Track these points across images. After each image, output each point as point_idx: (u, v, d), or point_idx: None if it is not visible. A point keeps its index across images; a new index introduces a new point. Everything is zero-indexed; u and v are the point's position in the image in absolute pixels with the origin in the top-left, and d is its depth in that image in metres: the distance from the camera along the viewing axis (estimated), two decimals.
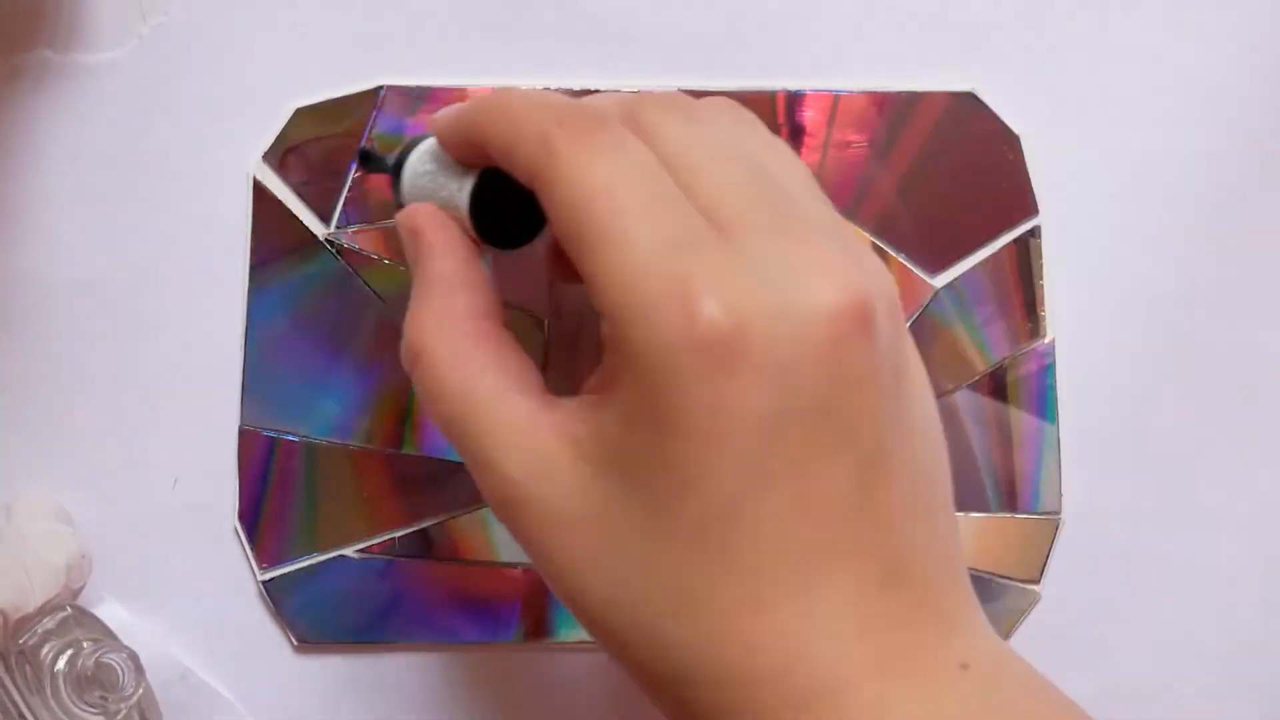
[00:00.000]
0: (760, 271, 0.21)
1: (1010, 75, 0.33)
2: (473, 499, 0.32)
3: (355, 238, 0.33)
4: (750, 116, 0.25)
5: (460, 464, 0.31)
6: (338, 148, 0.33)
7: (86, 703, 0.29)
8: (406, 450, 0.32)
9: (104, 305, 0.33)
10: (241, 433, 0.32)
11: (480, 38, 0.34)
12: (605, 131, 0.22)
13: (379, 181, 0.33)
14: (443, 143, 0.26)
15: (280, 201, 0.33)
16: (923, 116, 0.33)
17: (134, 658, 0.29)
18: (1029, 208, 0.33)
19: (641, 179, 0.22)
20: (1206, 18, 0.34)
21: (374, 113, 0.33)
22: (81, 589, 0.31)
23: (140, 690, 0.29)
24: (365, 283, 0.33)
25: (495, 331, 0.24)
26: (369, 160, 0.31)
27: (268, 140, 0.33)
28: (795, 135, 0.33)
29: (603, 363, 0.22)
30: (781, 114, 0.33)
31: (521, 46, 0.34)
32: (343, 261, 0.33)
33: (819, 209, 0.23)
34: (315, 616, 0.32)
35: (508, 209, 0.25)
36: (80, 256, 0.33)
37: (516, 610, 0.32)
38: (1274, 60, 0.34)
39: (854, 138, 0.33)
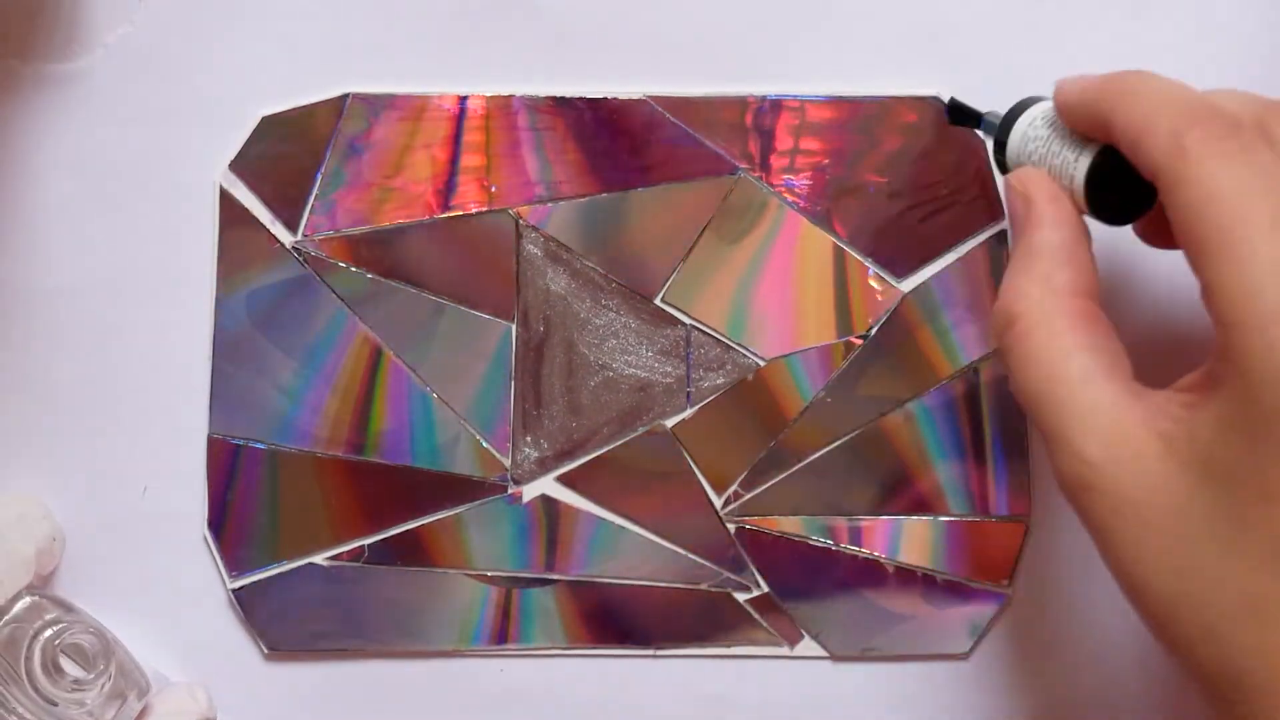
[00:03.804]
0: None
1: (975, 79, 0.33)
2: (439, 505, 0.32)
3: (322, 245, 0.33)
4: None
5: (423, 470, 0.32)
6: (304, 156, 0.33)
7: (62, 687, 0.29)
8: (370, 457, 0.32)
9: (70, 313, 0.33)
10: (210, 441, 0.32)
11: (446, 45, 0.34)
12: (1239, 138, 0.22)
13: (347, 191, 0.33)
14: (1062, 112, 0.26)
15: (247, 210, 0.33)
16: (889, 121, 0.33)
17: (101, 635, 0.29)
18: (996, 212, 0.33)
19: (1271, 191, 0.22)
20: (1170, 22, 0.34)
21: (339, 120, 0.33)
22: (54, 571, 0.31)
23: (112, 667, 0.29)
24: (332, 290, 0.33)
25: (1093, 312, 0.25)
26: (960, 113, 0.31)
27: (234, 149, 0.33)
28: (764, 141, 0.33)
29: (1207, 365, 0.23)
30: (750, 120, 0.33)
31: (489, 54, 0.34)
32: (309, 269, 0.33)
33: None
34: (285, 624, 0.32)
35: (1122, 187, 0.25)
36: (46, 265, 0.33)
37: (486, 617, 0.32)
38: (1238, 65, 0.34)
39: (822, 143, 0.33)
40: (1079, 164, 0.26)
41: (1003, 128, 0.29)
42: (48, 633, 0.29)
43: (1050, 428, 0.24)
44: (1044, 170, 0.27)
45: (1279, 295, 0.21)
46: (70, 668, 0.29)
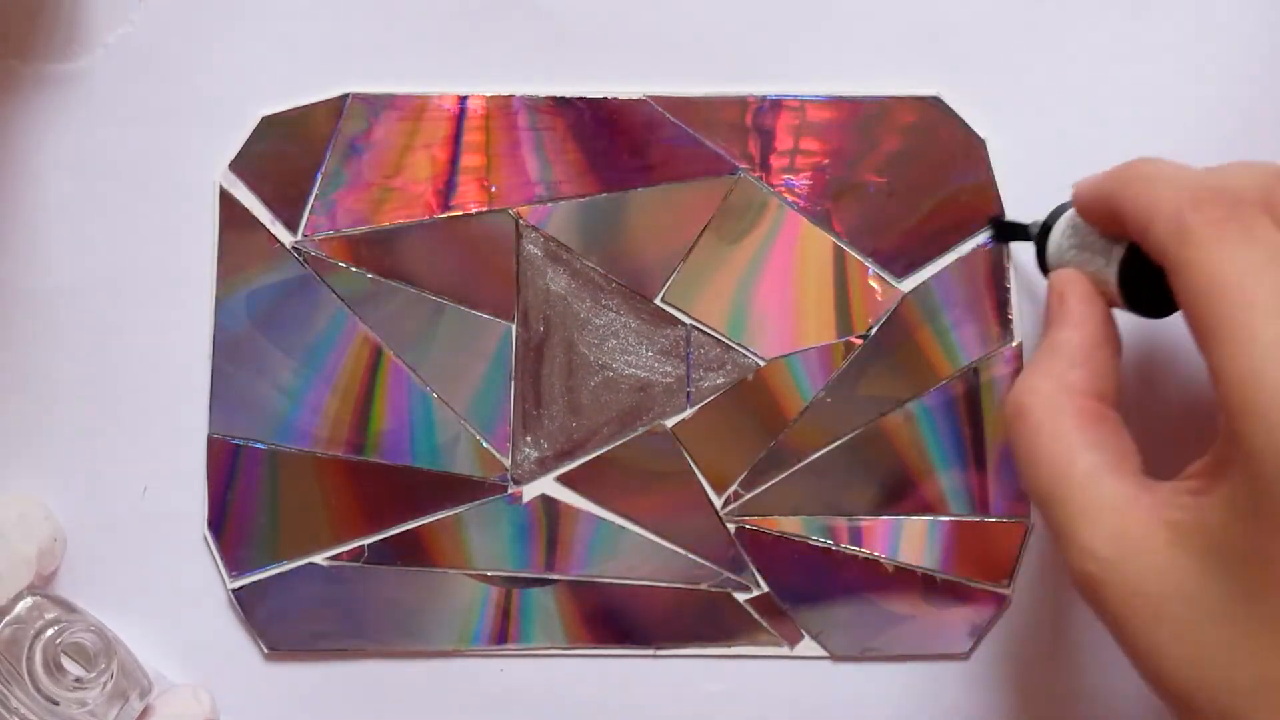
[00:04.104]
0: None
1: (975, 79, 0.33)
2: (439, 505, 0.32)
3: (322, 246, 0.33)
4: None
5: (423, 470, 0.32)
6: (304, 156, 0.33)
7: (64, 686, 0.29)
8: (370, 457, 0.32)
9: (71, 314, 0.33)
10: (210, 441, 0.32)
11: (446, 46, 0.34)
12: (1240, 218, 0.22)
13: (347, 191, 0.33)
14: (1082, 215, 0.27)
15: (247, 210, 0.33)
16: (889, 121, 0.33)
17: (102, 634, 0.29)
18: (995, 212, 0.33)
19: (1275, 273, 0.22)
20: (1171, 22, 0.34)
21: (339, 120, 0.33)
22: (55, 571, 0.31)
23: (114, 666, 0.29)
24: (332, 290, 0.33)
25: (1104, 414, 0.25)
26: (1004, 229, 0.32)
27: (234, 149, 0.33)
28: (764, 141, 0.33)
29: (1212, 451, 0.23)
30: (750, 120, 0.33)
31: (489, 55, 0.34)
32: (310, 269, 0.33)
33: None
34: (285, 624, 0.32)
35: (1156, 280, 0.25)
36: (47, 265, 0.33)
37: (486, 617, 0.32)
38: (1239, 64, 0.34)
39: (822, 143, 0.33)
40: (1111, 263, 0.26)
41: (1039, 237, 0.29)
42: (49, 632, 0.29)
43: (1058, 524, 0.24)
44: (1083, 273, 0.27)
45: None
46: (71, 667, 0.29)
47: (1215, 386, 0.22)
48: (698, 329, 0.33)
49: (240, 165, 0.33)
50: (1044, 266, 0.29)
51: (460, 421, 0.32)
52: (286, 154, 0.33)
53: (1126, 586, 0.23)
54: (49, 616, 0.30)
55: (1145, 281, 0.25)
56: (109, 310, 0.33)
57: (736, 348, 0.33)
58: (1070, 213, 0.28)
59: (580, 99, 0.33)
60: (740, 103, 0.33)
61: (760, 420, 0.32)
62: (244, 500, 0.32)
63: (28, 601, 0.30)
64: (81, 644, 0.29)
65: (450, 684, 0.32)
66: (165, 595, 0.32)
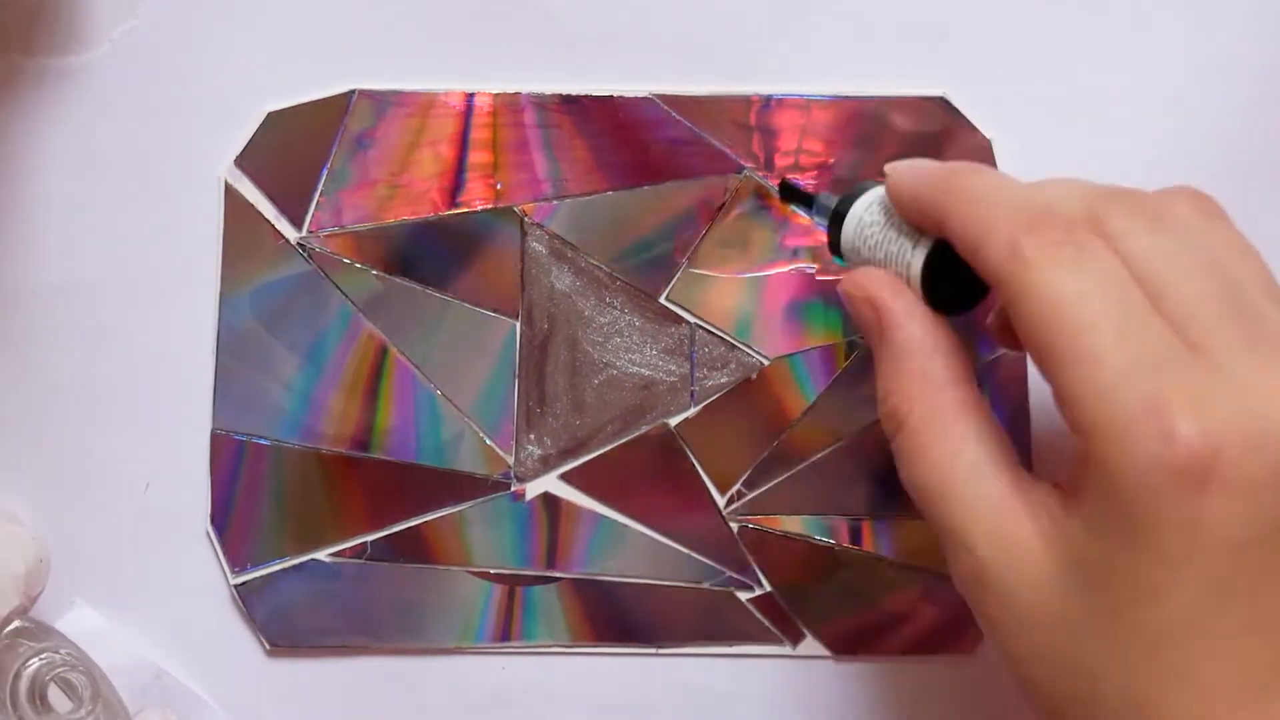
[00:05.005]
0: (1235, 391, 0.21)
1: (981, 80, 0.33)
2: (442, 502, 0.32)
3: (327, 242, 0.33)
4: (1216, 210, 0.24)
5: (427, 467, 0.32)
6: (309, 152, 0.33)
7: None
8: (375, 454, 0.32)
9: (75, 309, 0.33)
10: (213, 436, 0.32)
11: (451, 42, 0.34)
12: (1074, 241, 0.22)
13: (353, 187, 0.33)
14: (897, 205, 0.26)
15: (252, 205, 0.33)
16: (894, 122, 0.33)
17: (89, 672, 0.29)
18: None
19: (1112, 293, 0.22)
20: (1175, 23, 0.34)
21: (345, 117, 0.33)
22: (39, 595, 0.31)
23: (99, 707, 0.29)
24: (337, 286, 0.33)
25: (974, 397, 0.25)
26: (791, 193, 0.31)
27: (239, 144, 0.33)
28: (767, 140, 0.33)
29: (1071, 470, 0.23)
30: (755, 119, 0.33)
31: (493, 51, 0.34)
32: (314, 265, 0.33)
33: None
34: (287, 620, 0.32)
35: (959, 279, 0.25)
36: (51, 261, 0.33)
37: (488, 614, 0.32)
38: (1243, 65, 0.34)
39: (826, 143, 0.33)
40: (915, 256, 0.26)
41: (836, 214, 0.29)
42: (35, 663, 0.29)
43: (943, 525, 0.24)
44: (880, 270, 0.27)
45: (1133, 401, 0.21)
46: (55, 698, 0.29)
47: (1062, 408, 0.22)
48: (702, 328, 0.33)
49: (245, 161, 0.33)
50: (834, 242, 0.29)
51: (464, 419, 0.32)
52: (292, 150, 0.33)
53: (1002, 589, 0.23)
54: (36, 645, 0.29)
55: (948, 279, 0.25)
56: (113, 305, 0.33)
57: (741, 347, 0.33)
58: (878, 191, 0.28)
59: (586, 97, 0.33)
60: (745, 101, 0.33)
61: (764, 419, 0.32)
62: (246, 496, 0.32)
63: (15, 625, 0.29)
64: (69, 679, 0.29)
65: (452, 681, 0.32)
66: (167, 591, 0.32)
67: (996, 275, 0.23)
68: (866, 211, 0.28)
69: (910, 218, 0.26)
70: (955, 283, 0.26)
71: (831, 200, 0.29)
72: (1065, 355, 0.22)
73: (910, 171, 0.26)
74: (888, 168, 0.27)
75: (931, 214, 0.25)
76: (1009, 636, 0.23)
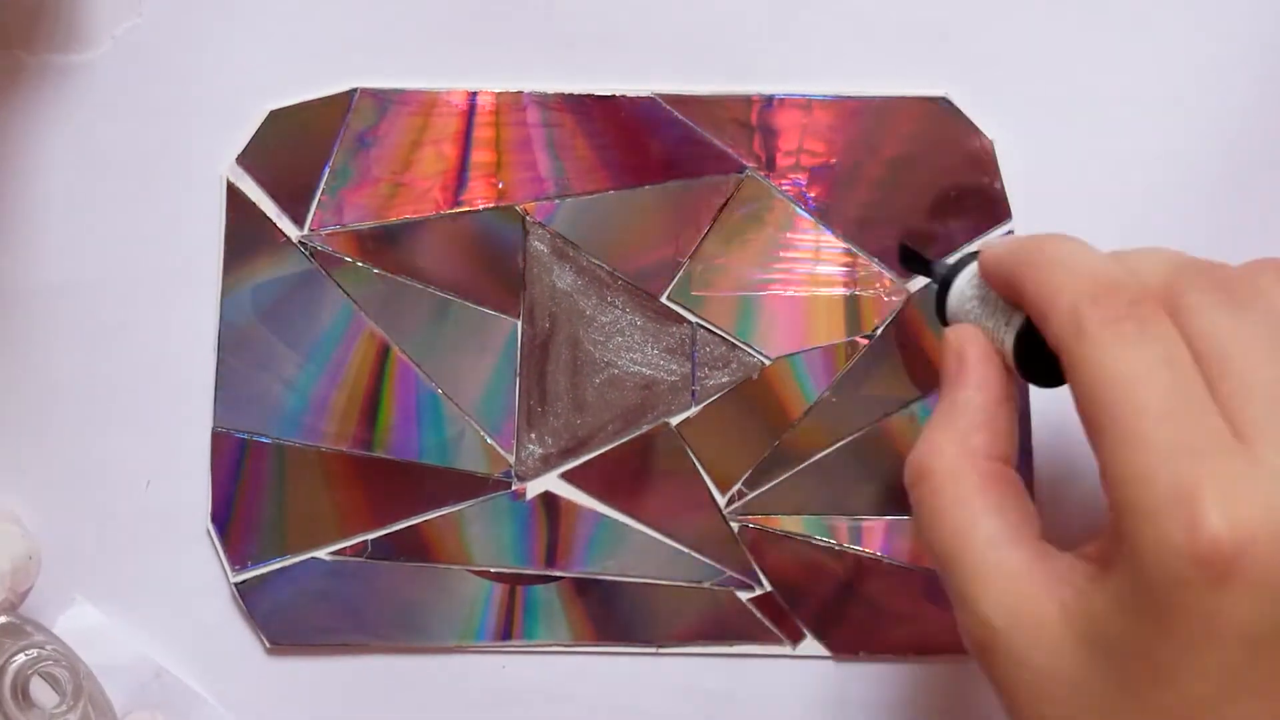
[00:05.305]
0: (1271, 486, 0.21)
1: (983, 80, 0.33)
2: (443, 501, 0.32)
3: (328, 240, 0.33)
4: None
5: (428, 466, 0.32)
6: (311, 150, 0.33)
7: (31, 717, 0.28)
8: (376, 452, 0.32)
9: (77, 308, 0.33)
10: (214, 435, 0.32)
11: (453, 42, 0.34)
12: (1138, 317, 0.22)
13: (355, 186, 0.33)
14: (986, 280, 0.26)
15: (253, 203, 0.33)
16: (896, 122, 0.33)
17: (74, 668, 0.29)
18: (1003, 212, 0.33)
19: (1164, 374, 0.22)
20: (1175, 23, 0.34)
21: (347, 115, 0.33)
22: (28, 591, 0.31)
23: (84, 702, 0.29)
24: (338, 284, 0.33)
25: (1006, 476, 0.25)
26: (911, 260, 0.31)
27: (241, 142, 0.33)
28: (769, 140, 0.33)
29: (1101, 540, 0.23)
30: (756, 119, 0.33)
31: (495, 51, 0.34)
32: (316, 264, 0.33)
33: None
34: (287, 618, 0.32)
35: (1051, 355, 0.24)
36: (53, 259, 0.33)
37: (489, 612, 0.32)
38: (1244, 64, 0.34)
39: (827, 143, 0.33)
40: (1009, 329, 0.26)
41: (943, 283, 0.28)
42: (20, 658, 0.29)
43: (956, 588, 0.24)
44: (980, 328, 0.27)
45: (1169, 486, 0.21)
46: (39, 692, 0.29)
47: (1103, 483, 0.22)
48: (703, 327, 0.33)
49: (247, 159, 0.33)
50: (942, 309, 0.29)
51: (465, 417, 0.32)
52: (294, 148, 0.33)
53: (1015, 657, 0.23)
54: (22, 642, 0.29)
55: (1040, 354, 0.25)
56: (115, 303, 0.33)
57: (742, 346, 0.33)
58: (975, 266, 0.28)
59: (589, 96, 0.33)
60: (746, 101, 0.33)
61: (764, 419, 0.32)
62: (247, 494, 0.32)
63: (1, 621, 0.29)
64: (54, 674, 0.29)
65: (452, 680, 0.32)
66: (168, 589, 0.32)
67: (1059, 345, 0.23)
68: (968, 284, 0.28)
69: (999, 290, 0.26)
70: (1048, 359, 0.25)
71: (944, 266, 0.29)
72: (1108, 433, 0.21)
73: (997, 245, 0.26)
74: (980, 244, 0.27)
75: (1012, 286, 0.25)
76: (1019, 705, 0.23)
